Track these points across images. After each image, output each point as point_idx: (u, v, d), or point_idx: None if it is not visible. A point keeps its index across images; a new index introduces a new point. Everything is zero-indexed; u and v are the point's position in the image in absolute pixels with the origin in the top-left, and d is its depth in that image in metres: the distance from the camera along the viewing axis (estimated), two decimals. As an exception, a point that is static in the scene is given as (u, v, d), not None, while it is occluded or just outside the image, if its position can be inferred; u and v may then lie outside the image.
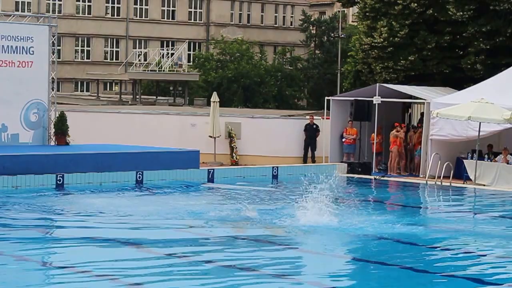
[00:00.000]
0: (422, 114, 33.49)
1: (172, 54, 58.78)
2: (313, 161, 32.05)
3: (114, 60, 67.56)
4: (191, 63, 64.15)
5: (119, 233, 16.28)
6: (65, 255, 14.32)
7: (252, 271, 13.22)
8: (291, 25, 73.46)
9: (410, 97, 30.88)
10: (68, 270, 12.97)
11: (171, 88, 62.80)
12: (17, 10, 60.55)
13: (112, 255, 14.21)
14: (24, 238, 15.70)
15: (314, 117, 33.26)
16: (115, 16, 67.77)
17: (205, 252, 14.73)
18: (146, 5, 68.52)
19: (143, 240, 15.65)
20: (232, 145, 32.65)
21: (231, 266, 13.56)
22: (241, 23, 71.55)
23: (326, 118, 32.31)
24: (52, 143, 26.33)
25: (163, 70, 56.21)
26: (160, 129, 32.53)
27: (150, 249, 14.77)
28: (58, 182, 22.30)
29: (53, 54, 26.50)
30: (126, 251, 14.66)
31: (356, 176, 27.99)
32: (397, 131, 29.78)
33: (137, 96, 56.09)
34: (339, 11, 65.10)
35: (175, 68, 56.76)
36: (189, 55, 65.31)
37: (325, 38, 68.55)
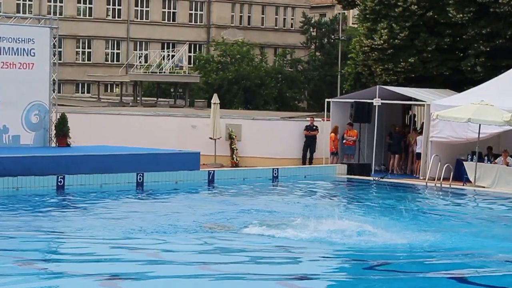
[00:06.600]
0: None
1: (173, 56, 58.89)
2: (310, 163, 32.15)
3: (115, 62, 67.64)
4: (191, 65, 64.23)
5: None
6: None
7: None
8: (291, 27, 73.54)
9: (410, 99, 30.94)
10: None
11: (171, 90, 62.92)
12: (18, 12, 60.67)
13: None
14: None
15: (315, 119, 33.39)
16: (116, 18, 67.87)
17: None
18: (147, 7, 68.61)
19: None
20: (233, 146, 32.69)
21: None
22: (241, 25, 71.62)
23: (326, 120, 32.40)
24: (53, 144, 26.35)
25: (164, 72, 56.34)
26: (161, 131, 32.56)
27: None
28: (59, 183, 22.33)
29: (54, 56, 26.51)
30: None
31: (355, 177, 28.03)
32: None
33: (138, 98, 56.22)
34: (339, 13, 65.23)
35: (176, 70, 56.89)
36: (189, 57, 65.39)
37: (326, 40, 68.67)
